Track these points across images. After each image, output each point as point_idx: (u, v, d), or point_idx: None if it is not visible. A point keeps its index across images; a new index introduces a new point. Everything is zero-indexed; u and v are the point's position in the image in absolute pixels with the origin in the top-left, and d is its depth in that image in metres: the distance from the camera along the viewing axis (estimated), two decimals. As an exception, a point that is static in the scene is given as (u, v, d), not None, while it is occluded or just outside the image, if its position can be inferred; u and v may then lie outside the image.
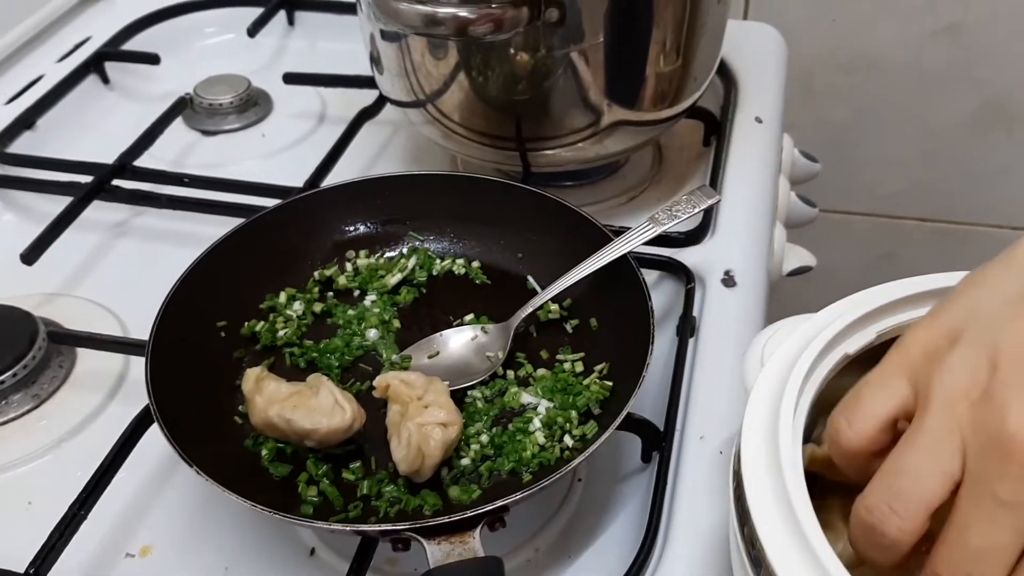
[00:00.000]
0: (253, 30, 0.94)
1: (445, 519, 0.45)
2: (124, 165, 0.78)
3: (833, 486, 0.46)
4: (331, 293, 0.64)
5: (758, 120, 0.84)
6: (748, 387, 0.45)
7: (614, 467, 0.59)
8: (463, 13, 0.59)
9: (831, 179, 0.97)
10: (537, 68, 0.65)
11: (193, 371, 0.56)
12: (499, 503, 0.46)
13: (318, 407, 0.51)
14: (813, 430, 0.46)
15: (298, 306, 0.62)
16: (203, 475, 0.47)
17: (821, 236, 1.01)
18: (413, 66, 0.69)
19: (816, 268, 0.85)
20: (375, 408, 0.55)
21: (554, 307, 0.62)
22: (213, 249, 0.60)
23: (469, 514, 0.45)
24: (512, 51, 0.65)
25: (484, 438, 0.54)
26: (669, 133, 0.81)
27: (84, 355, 0.66)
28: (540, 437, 0.54)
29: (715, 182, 0.76)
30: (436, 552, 0.45)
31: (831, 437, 0.39)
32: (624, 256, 0.59)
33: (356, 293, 0.64)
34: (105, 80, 0.94)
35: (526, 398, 0.57)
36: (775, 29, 0.96)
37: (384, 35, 0.69)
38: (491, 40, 0.62)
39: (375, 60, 0.73)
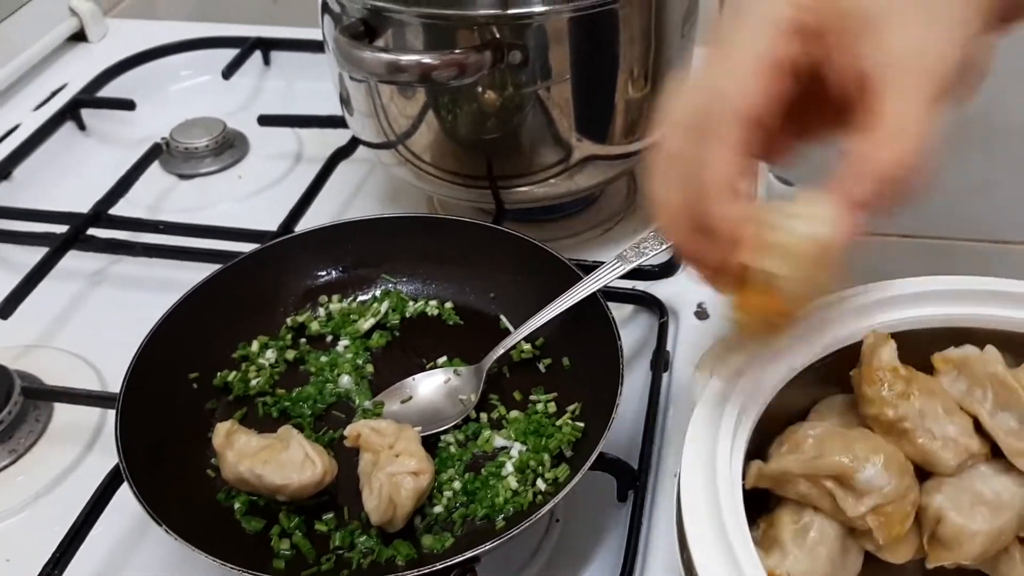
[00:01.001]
0: (228, 72, 0.94)
1: (414, 572, 0.45)
2: (99, 214, 0.78)
3: (783, 501, 0.46)
4: (304, 339, 0.64)
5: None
6: (695, 403, 0.45)
7: (591, 506, 0.59)
8: (426, 60, 0.59)
9: (809, 201, 0.97)
10: (505, 107, 0.66)
11: (165, 424, 0.56)
12: (470, 553, 0.46)
13: (288, 462, 0.51)
14: (764, 443, 0.47)
15: (271, 354, 0.62)
16: (172, 534, 0.47)
17: (801, 257, 1.01)
18: (382, 107, 0.70)
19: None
20: (348, 456, 0.55)
21: (527, 347, 0.62)
22: (183, 301, 0.60)
23: (439, 566, 0.45)
24: (479, 91, 0.65)
25: (457, 484, 0.54)
26: (643, 165, 0.81)
27: (60, 408, 0.66)
28: (513, 482, 0.54)
29: (687, 213, 0.76)
30: (408, 604, 0.45)
31: None
32: (593, 295, 0.59)
33: (329, 339, 0.65)
34: (81, 127, 0.94)
35: (499, 441, 0.57)
36: (746, 55, 0.97)
37: (353, 77, 0.70)
38: (455, 85, 0.63)
39: (345, 101, 0.74)
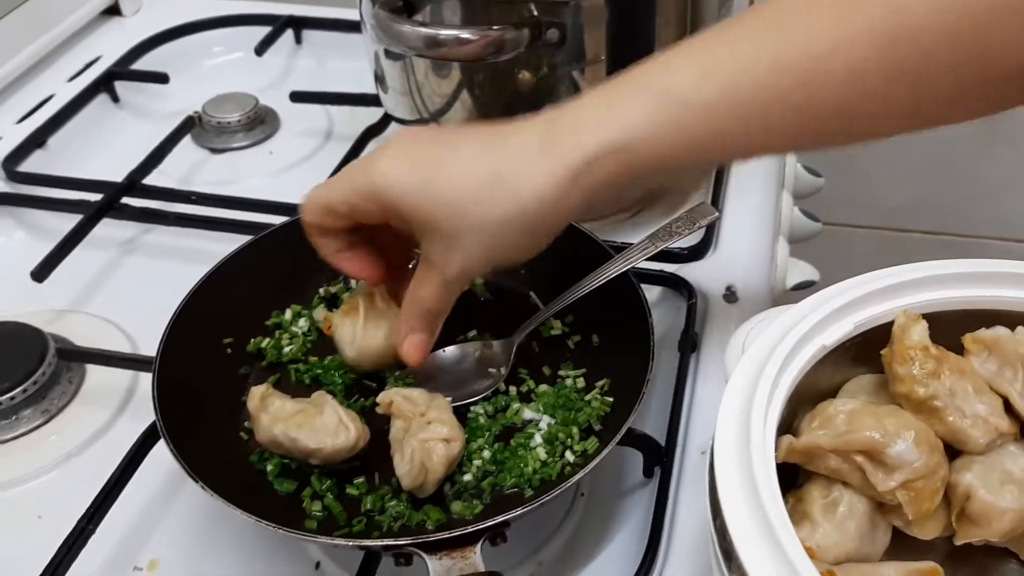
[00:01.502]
0: (261, 49, 0.95)
1: (446, 534, 0.46)
2: (133, 183, 0.79)
3: (812, 476, 0.46)
4: (336, 309, 0.65)
5: (760, 136, 0.84)
6: (728, 377, 0.45)
7: (617, 482, 0.59)
8: (464, 35, 0.60)
9: (836, 193, 0.98)
10: (540, 87, 0.66)
11: (199, 387, 0.57)
12: (500, 518, 0.46)
13: (322, 426, 0.52)
14: (793, 420, 0.47)
15: (303, 323, 0.63)
16: (208, 491, 0.48)
17: (826, 249, 1.02)
18: (417, 85, 0.70)
19: (821, 282, 0.85)
20: (379, 424, 0.56)
21: (556, 323, 0.63)
22: (219, 267, 0.61)
23: (470, 529, 0.46)
24: (515, 70, 0.65)
25: (486, 454, 0.55)
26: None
27: (93, 371, 0.67)
28: (542, 453, 0.54)
29: (716, 198, 0.76)
30: (438, 567, 0.45)
31: None
32: (625, 273, 0.59)
33: (361, 309, 0.65)
34: (115, 99, 0.95)
35: (528, 414, 0.57)
36: (777, 45, 0.97)
37: (388, 54, 0.71)
38: (492, 61, 0.63)
39: (379, 79, 0.74)
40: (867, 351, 0.49)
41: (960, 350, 0.49)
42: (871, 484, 0.44)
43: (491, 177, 0.48)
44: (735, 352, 0.48)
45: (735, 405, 0.42)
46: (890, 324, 0.48)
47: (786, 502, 0.46)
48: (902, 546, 0.46)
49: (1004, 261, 0.50)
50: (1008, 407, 0.47)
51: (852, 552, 0.44)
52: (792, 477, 0.48)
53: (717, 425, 0.41)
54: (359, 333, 0.57)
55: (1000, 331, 0.48)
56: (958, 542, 0.45)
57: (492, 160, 0.49)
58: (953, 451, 0.47)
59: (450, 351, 0.61)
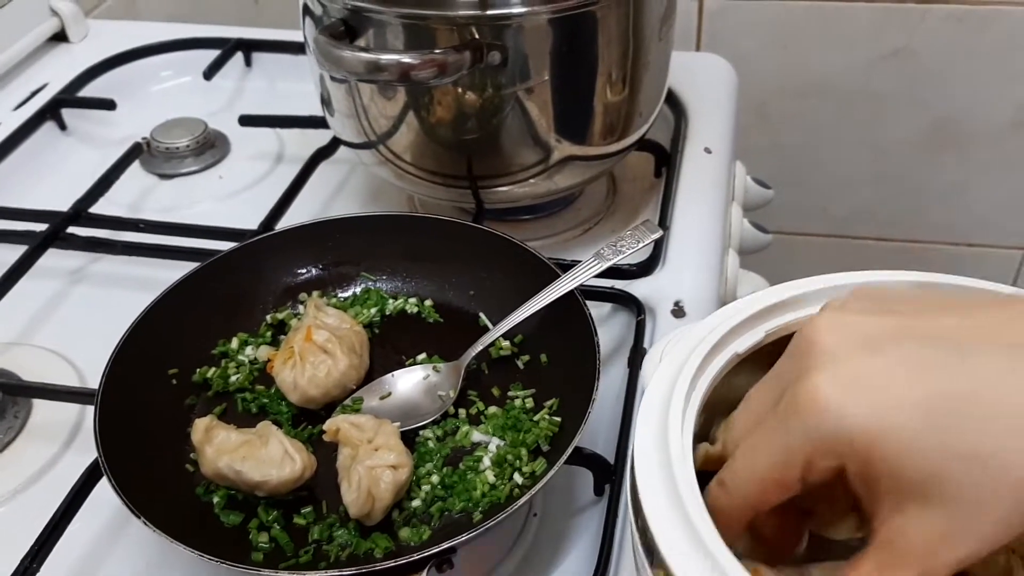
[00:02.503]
0: (209, 73, 0.94)
1: (390, 563, 0.45)
2: (79, 212, 0.78)
3: None
4: (283, 337, 0.64)
5: (707, 151, 0.85)
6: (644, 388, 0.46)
7: (569, 501, 0.59)
8: (406, 59, 0.60)
9: (787, 202, 0.99)
10: (484, 108, 0.66)
11: (144, 420, 0.56)
12: (445, 545, 0.46)
13: (268, 458, 0.52)
14: (710, 429, 0.47)
15: (250, 351, 0.63)
16: (151, 527, 0.47)
17: (778, 258, 1.03)
18: (363, 108, 0.70)
19: (773, 292, 0.86)
20: (327, 451, 0.55)
21: (505, 344, 0.63)
22: (163, 297, 0.61)
23: (415, 557, 0.46)
24: (459, 91, 0.66)
25: (435, 479, 0.54)
26: (622, 165, 0.82)
27: (39, 405, 0.66)
28: (490, 476, 0.54)
29: (665, 213, 0.77)
30: (384, 596, 0.45)
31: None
32: (571, 292, 0.60)
33: (309, 336, 0.65)
34: (62, 126, 0.94)
35: (477, 436, 0.57)
36: (724, 60, 0.98)
37: (333, 78, 0.70)
38: (435, 84, 0.63)
39: (326, 102, 0.74)
40: (779, 358, 0.50)
41: None
42: None
43: None
44: (652, 366, 0.49)
45: (652, 413, 0.43)
46: None
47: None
48: (817, 548, 0.46)
49: (911, 272, 0.50)
50: None
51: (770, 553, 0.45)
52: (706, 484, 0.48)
53: (635, 434, 0.42)
54: (299, 379, 0.57)
55: None
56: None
57: None
58: None
59: (398, 375, 0.61)
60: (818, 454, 0.34)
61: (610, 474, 0.57)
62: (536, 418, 0.58)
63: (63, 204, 0.79)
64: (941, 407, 0.32)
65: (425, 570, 0.46)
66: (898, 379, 0.33)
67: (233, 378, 0.61)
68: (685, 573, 0.36)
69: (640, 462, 0.40)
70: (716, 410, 0.46)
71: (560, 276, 0.60)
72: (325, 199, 0.85)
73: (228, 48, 0.99)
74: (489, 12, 0.62)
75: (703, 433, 0.46)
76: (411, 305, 0.66)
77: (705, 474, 0.45)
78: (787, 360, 0.37)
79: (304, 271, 0.67)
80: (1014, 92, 1.15)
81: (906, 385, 0.32)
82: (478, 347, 0.60)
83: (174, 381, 0.60)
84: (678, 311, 0.69)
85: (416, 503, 0.54)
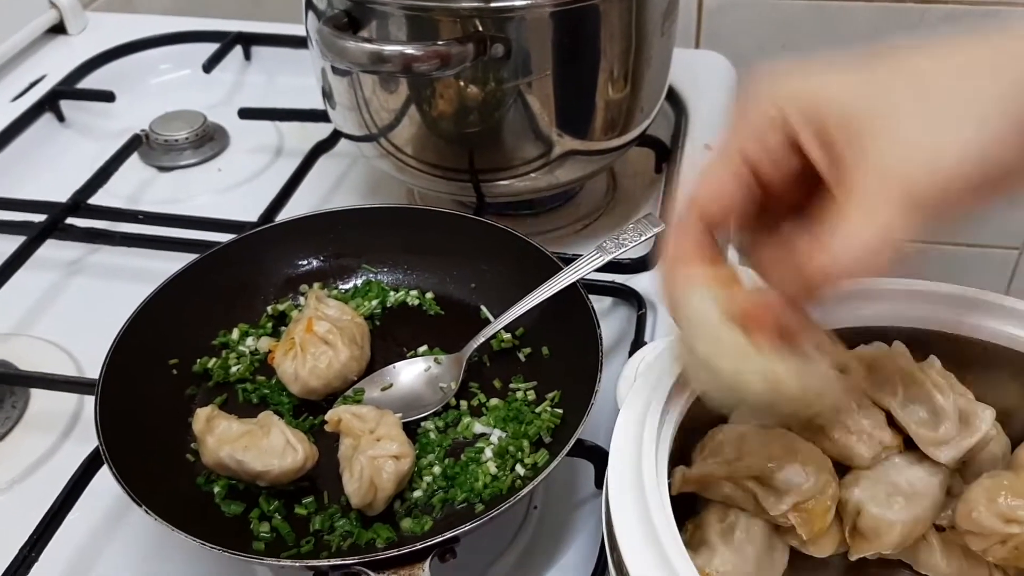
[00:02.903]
0: (208, 66, 0.94)
1: (394, 552, 0.45)
2: (78, 203, 0.78)
3: (709, 503, 0.47)
4: (284, 328, 0.64)
5: (707, 147, 0.85)
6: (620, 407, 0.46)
7: (569, 494, 0.59)
8: (409, 50, 0.60)
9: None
10: (487, 101, 0.66)
11: (145, 409, 0.56)
12: (448, 535, 0.46)
13: (269, 448, 0.51)
14: (689, 446, 0.47)
15: (251, 342, 0.63)
16: (152, 515, 0.47)
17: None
18: (365, 101, 0.70)
19: (769, 290, 0.86)
20: (328, 442, 0.55)
21: (507, 336, 0.63)
22: (163, 287, 0.60)
23: (418, 546, 0.45)
24: (461, 85, 0.66)
25: (437, 469, 0.54)
26: (623, 161, 0.82)
27: (37, 395, 0.66)
28: (492, 467, 0.54)
29: (665, 209, 0.77)
30: (385, 586, 0.45)
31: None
32: (574, 284, 0.59)
33: (310, 327, 0.64)
34: (60, 118, 0.94)
35: (479, 428, 0.57)
36: (724, 57, 0.98)
37: (335, 70, 0.70)
38: (438, 76, 0.63)
39: (327, 95, 0.74)
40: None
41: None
42: (764, 508, 0.45)
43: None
44: (627, 383, 0.49)
45: (627, 438, 0.42)
46: None
47: (685, 530, 0.46)
48: (800, 565, 0.46)
49: (880, 279, 0.50)
50: (891, 420, 0.48)
51: (752, 573, 0.45)
52: (692, 504, 0.48)
53: (610, 460, 0.42)
54: (300, 370, 0.57)
55: (879, 347, 0.49)
56: (853, 557, 0.46)
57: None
58: (842, 468, 0.47)
59: (400, 367, 0.61)
60: (775, 126, 0.38)
61: (611, 467, 0.57)
62: (538, 410, 0.58)
63: (61, 195, 0.79)
64: (868, 79, 0.37)
65: (428, 560, 0.46)
66: (831, 74, 0.38)
67: (234, 369, 0.61)
68: None
69: (616, 496, 0.40)
70: (695, 425, 0.46)
71: (562, 269, 0.60)
72: (325, 192, 0.84)
73: (227, 41, 0.99)
74: (492, 4, 0.62)
75: (682, 450, 0.45)
76: (412, 297, 0.66)
77: (683, 497, 0.45)
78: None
79: (305, 263, 0.67)
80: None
81: (836, 75, 0.38)
82: (480, 339, 0.60)
83: (175, 371, 0.60)
84: (679, 305, 0.69)
85: (418, 494, 0.53)
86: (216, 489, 0.54)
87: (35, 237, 0.74)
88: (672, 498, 0.41)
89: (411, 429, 0.57)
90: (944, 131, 0.35)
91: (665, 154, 0.84)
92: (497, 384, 0.60)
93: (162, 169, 0.89)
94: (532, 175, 0.72)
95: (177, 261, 0.65)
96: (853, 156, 0.36)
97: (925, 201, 0.35)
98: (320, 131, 0.85)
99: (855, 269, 0.36)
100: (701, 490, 0.46)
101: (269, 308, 0.65)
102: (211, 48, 0.97)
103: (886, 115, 0.36)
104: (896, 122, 0.36)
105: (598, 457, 0.56)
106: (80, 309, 0.74)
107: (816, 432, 0.47)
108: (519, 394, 0.59)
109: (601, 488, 0.58)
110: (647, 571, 0.37)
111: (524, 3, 0.62)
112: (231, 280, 0.64)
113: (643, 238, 0.63)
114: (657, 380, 0.44)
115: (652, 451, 0.41)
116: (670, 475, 0.43)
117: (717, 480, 0.45)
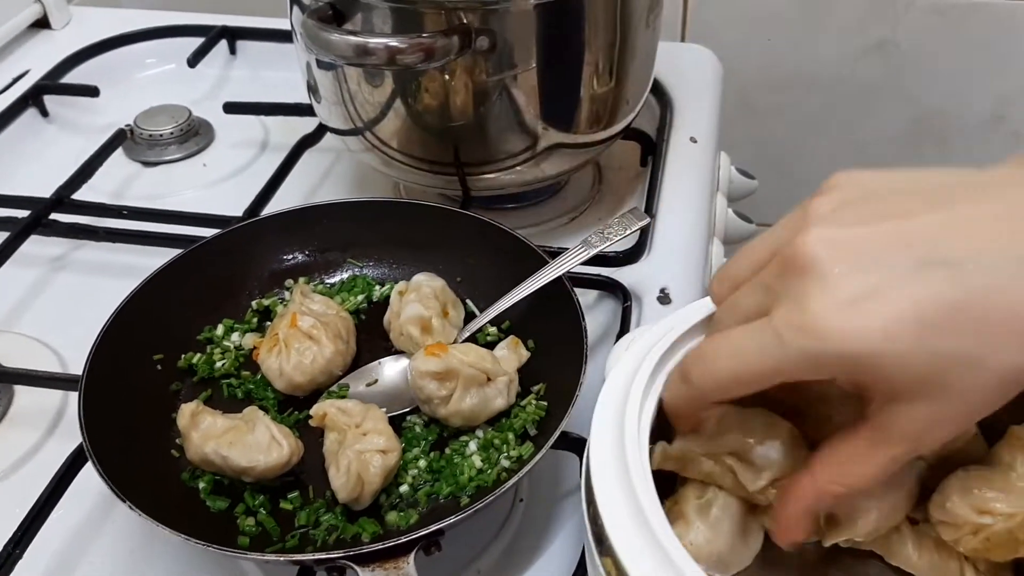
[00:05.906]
0: (193, 60, 0.94)
1: (378, 546, 0.45)
2: (62, 199, 0.77)
3: (688, 481, 0.47)
4: (269, 323, 0.64)
5: (693, 140, 0.85)
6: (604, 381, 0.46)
7: (555, 486, 0.59)
8: (394, 43, 0.60)
9: (770, 194, 0.99)
10: (472, 94, 0.66)
11: (129, 405, 0.56)
12: (432, 528, 0.46)
13: (254, 443, 0.51)
14: (669, 429, 0.47)
15: (236, 337, 0.62)
16: (137, 511, 0.47)
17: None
18: (350, 94, 0.70)
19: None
20: (313, 437, 0.55)
21: (492, 330, 0.63)
22: (148, 282, 0.60)
23: (403, 540, 0.46)
24: (447, 78, 0.65)
25: (422, 463, 0.54)
26: (608, 154, 0.82)
27: (21, 392, 0.66)
28: (477, 460, 0.54)
29: (651, 202, 0.77)
30: (371, 579, 0.45)
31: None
32: (559, 278, 0.60)
33: (295, 322, 0.64)
34: (44, 113, 0.93)
35: (464, 422, 0.57)
36: (709, 50, 0.98)
37: (320, 64, 0.70)
38: (423, 69, 0.63)
39: (312, 89, 0.74)
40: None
41: None
42: (742, 484, 0.45)
43: None
44: (614, 359, 0.49)
45: (608, 416, 0.43)
46: None
47: (663, 506, 0.47)
48: (774, 549, 0.46)
49: None
50: None
51: (725, 550, 0.45)
52: (671, 486, 0.49)
53: (591, 435, 0.42)
54: (284, 366, 0.57)
55: None
56: (827, 543, 0.46)
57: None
58: None
59: (385, 362, 0.61)
60: (811, 371, 0.35)
61: (597, 459, 0.57)
62: (523, 403, 0.58)
63: (45, 191, 0.78)
64: (933, 317, 0.33)
65: (412, 553, 0.46)
66: (891, 296, 0.34)
67: (219, 364, 0.61)
68: (634, 564, 0.36)
69: (595, 448, 0.40)
70: None
71: (548, 262, 0.60)
72: (310, 187, 0.84)
73: (212, 35, 0.98)
74: (477, -3, 0.62)
75: (662, 433, 0.46)
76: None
77: (662, 473, 0.45)
78: (777, 272, 0.38)
79: (290, 257, 0.67)
80: (995, 85, 1.16)
81: (899, 300, 0.34)
82: (465, 333, 0.60)
83: (159, 367, 0.60)
84: (664, 298, 0.69)
85: (403, 488, 0.53)
86: (201, 485, 0.54)
87: (19, 233, 0.74)
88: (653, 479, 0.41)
89: (395, 424, 0.56)
90: (952, 418, 0.36)
91: (651, 147, 0.84)
92: (483, 377, 0.60)
93: (147, 164, 0.89)
94: (518, 168, 0.72)
95: (162, 256, 0.65)
96: (879, 405, 0.37)
97: (907, 456, 0.38)
98: (305, 125, 0.84)
99: (860, 486, 0.39)
100: (681, 468, 0.46)
101: (254, 303, 0.65)
102: (196, 42, 0.96)
103: (915, 390, 0.36)
104: (919, 398, 0.36)
105: (583, 449, 0.56)
106: (64, 305, 0.74)
107: (795, 415, 0.47)
108: (505, 387, 0.59)
109: (587, 481, 0.58)
110: (628, 537, 0.37)
111: (509, -4, 0.62)
112: (216, 275, 0.64)
113: (628, 232, 0.63)
114: (642, 356, 0.44)
115: (635, 420, 0.41)
116: (651, 453, 0.44)
117: (697, 456, 0.46)
